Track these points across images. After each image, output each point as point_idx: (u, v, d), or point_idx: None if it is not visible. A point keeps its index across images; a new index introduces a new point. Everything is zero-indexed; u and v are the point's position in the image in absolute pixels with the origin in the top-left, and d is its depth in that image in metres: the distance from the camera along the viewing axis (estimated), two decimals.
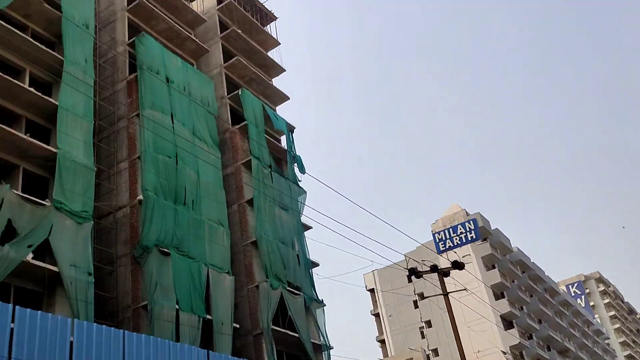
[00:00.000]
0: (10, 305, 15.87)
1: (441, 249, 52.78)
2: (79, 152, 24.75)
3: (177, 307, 24.87)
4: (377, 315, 65.24)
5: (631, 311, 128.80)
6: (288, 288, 31.25)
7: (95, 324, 19.03)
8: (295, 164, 38.14)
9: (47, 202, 22.49)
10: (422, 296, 59.79)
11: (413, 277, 61.00)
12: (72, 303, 21.15)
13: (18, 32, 24.44)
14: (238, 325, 28.24)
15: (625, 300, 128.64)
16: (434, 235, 58.12)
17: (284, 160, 37.95)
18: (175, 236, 26.83)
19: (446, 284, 54.00)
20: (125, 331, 18.82)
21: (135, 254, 25.57)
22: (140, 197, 26.65)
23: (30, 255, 21.01)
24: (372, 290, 66.06)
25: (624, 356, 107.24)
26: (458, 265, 20.96)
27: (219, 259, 28.66)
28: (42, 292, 21.64)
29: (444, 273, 21.36)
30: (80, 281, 21.98)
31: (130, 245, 26.19)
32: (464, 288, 26.41)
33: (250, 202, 32.82)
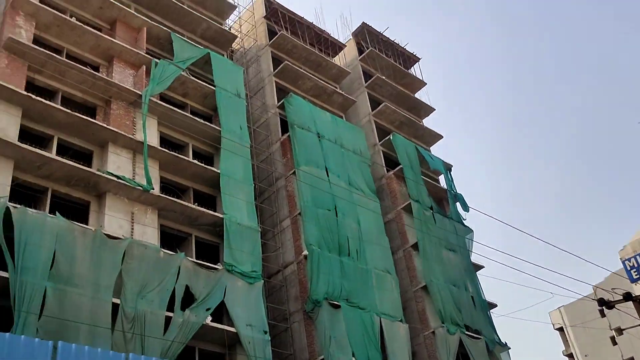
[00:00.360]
0: None
1: (634, 277, 47.47)
2: (243, 215, 25.67)
3: (353, 359, 24.45)
4: (570, 356, 59.75)
5: None
6: (467, 332, 29.64)
7: None
8: (458, 203, 36.80)
9: (219, 266, 23.42)
10: (619, 331, 53.92)
11: (606, 311, 55.47)
12: None
13: (178, 110, 26.33)
14: None
15: None
16: (623, 262, 52.59)
17: (445, 200, 36.77)
18: (344, 288, 26.67)
19: None
20: None
21: (306, 309, 25.70)
22: (305, 252, 26.93)
23: (209, 318, 21.81)
24: (560, 329, 60.88)
25: None
26: None
27: (390, 308, 28.00)
28: (223, 353, 22.29)
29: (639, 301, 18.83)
30: (257, 340, 22.38)
31: (301, 300, 26.38)
32: None
33: (415, 246, 31.97)
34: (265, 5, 37.58)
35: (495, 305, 33.59)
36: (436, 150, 41.64)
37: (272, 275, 28.14)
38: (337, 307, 25.72)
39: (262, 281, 24.45)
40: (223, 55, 31.53)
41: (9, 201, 18.67)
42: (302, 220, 27.97)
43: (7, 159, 19.65)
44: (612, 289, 18.56)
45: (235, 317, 22.35)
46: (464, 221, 35.80)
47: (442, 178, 38.35)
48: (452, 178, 38.05)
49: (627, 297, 18.47)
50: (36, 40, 23.44)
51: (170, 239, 24.09)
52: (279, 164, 31.11)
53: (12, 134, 20.03)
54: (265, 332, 22.85)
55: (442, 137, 40.95)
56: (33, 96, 21.10)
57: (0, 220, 17.51)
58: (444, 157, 38.19)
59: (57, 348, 15.81)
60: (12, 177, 19.64)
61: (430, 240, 32.22)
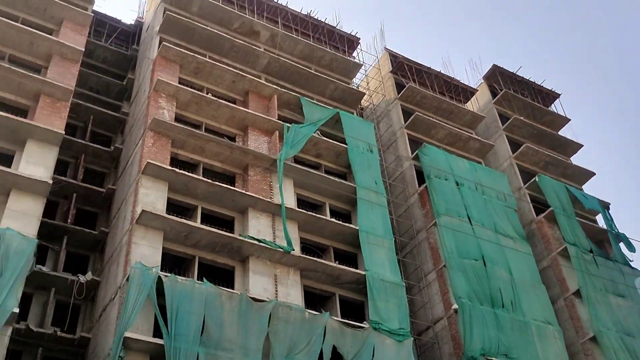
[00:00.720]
0: None
1: None
2: (386, 270, 25.06)
3: None
4: None
5: None
6: None
7: None
8: (621, 243, 33.59)
9: (365, 325, 22.81)
10: None
11: None
12: None
13: (313, 171, 26.70)
14: None
15: None
16: None
17: (606, 242, 33.74)
18: (501, 342, 24.90)
19: None
20: None
21: None
22: (455, 305, 25.62)
23: None
24: None
25: None
26: None
27: None
28: None
29: None
30: None
31: (456, 358, 24.91)
32: None
33: (577, 293, 29.37)
34: (390, 60, 37.81)
35: None
36: (589, 189, 38.73)
37: (422, 332, 27.02)
38: None
39: (412, 338, 23.45)
40: (352, 113, 31.85)
41: (160, 271, 19.58)
42: (447, 272, 26.79)
43: (157, 230, 20.78)
44: None
45: None
46: (630, 262, 32.50)
47: (599, 218, 35.33)
48: (611, 217, 34.97)
49: None
50: (177, 119, 25.06)
51: (314, 299, 23.96)
52: (418, 216, 30.35)
53: (160, 207, 21.24)
54: None
55: (595, 174, 38.05)
56: (177, 170, 22.38)
57: (153, 289, 18.34)
58: (600, 196, 35.31)
59: None
60: (162, 247, 20.68)
61: (594, 286, 29.50)
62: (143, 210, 20.45)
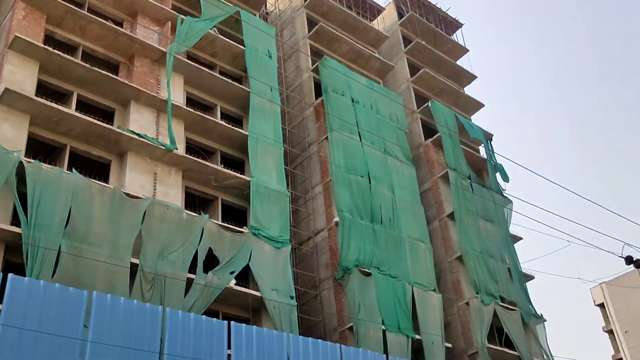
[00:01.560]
0: (226, 322, 15.96)
1: None
2: (272, 178, 24.91)
3: (383, 327, 23.70)
4: (610, 332, 57.92)
5: None
6: (501, 304, 28.57)
7: (310, 338, 18.49)
8: (498, 173, 35.31)
9: (245, 230, 22.75)
10: None
11: None
12: (277, 327, 20.92)
13: (206, 70, 25.52)
14: (450, 345, 26.26)
15: None
16: None
17: (484, 171, 35.33)
18: (375, 255, 25.83)
19: None
20: (342, 345, 17.84)
21: (336, 276, 25.00)
22: (337, 218, 26.13)
23: (233, 281, 21.20)
24: (601, 305, 59.04)
25: None
26: None
27: (423, 277, 27.11)
28: (248, 317, 21.70)
29: None
30: (284, 305, 21.74)
31: (332, 268, 25.68)
32: None
33: (451, 216, 30.81)
34: None
35: (532, 277, 32.33)
36: (477, 119, 40.07)
37: (302, 242, 27.50)
38: (368, 274, 24.97)
39: (290, 246, 23.75)
40: (255, 15, 30.53)
41: (25, 156, 18.23)
42: (333, 186, 27.11)
43: (23, 113, 19.12)
44: None
45: (260, 282, 21.74)
46: (503, 192, 34.36)
47: (482, 148, 36.83)
48: (492, 148, 36.51)
49: None
50: None
51: (196, 201, 23.50)
52: (311, 129, 30.22)
53: (28, 88, 19.51)
54: (292, 298, 22.20)
55: (484, 105, 39.34)
56: (50, 49, 20.47)
57: (13, 174, 17.08)
58: (485, 127, 36.62)
59: (92, 298, 15.51)
60: (27, 132, 19.16)
61: (468, 210, 31.02)
62: (6, 89, 18.59)
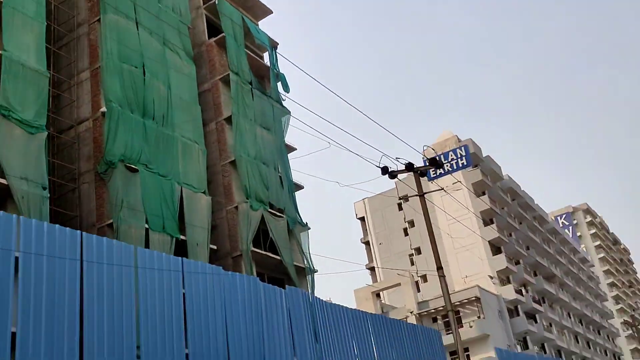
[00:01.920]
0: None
1: (432, 175, 50.66)
2: (30, 56, 21.91)
3: (146, 226, 22.79)
4: (367, 243, 64.17)
5: (616, 241, 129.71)
6: (270, 210, 29.27)
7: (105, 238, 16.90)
8: (279, 82, 35.44)
9: None
10: (411, 223, 58.41)
11: (403, 205, 59.54)
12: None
13: None
14: (215, 247, 26.39)
15: (611, 231, 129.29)
16: (424, 161, 56.07)
17: (266, 79, 35.22)
18: (144, 152, 24.45)
19: (437, 210, 51.88)
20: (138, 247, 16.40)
21: (98, 170, 23.21)
22: (104, 109, 24.10)
23: None
24: (362, 219, 64.82)
25: (607, 284, 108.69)
26: (436, 163, 18.66)
27: (194, 178, 26.49)
28: None
29: (420, 173, 19.05)
30: (34, 195, 19.64)
31: (94, 161, 23.79)
32: (441, 188, 24.60)
33: (228, 120, 30.35)
34: None
35: (302, 187, 33.62)
36: (264, 26, 39.53)
37: (63, 130, 25.01)
38: (134, 171, 23.59)
39: (47, 133, 21.33)
40: None
41: None
42: (103, 73, 24.81)
43: None
44: (396, 158, 18.26)
45: (7, 168, 19.30)
46: (283, 102, 34.72)
47: (266, 56, 36.54)
48: (276, 57, 36.38)
49: (409, 167, 18.44)
50: None
51: None
52: (82, 8, 27.10)
53: None
54: (45, 188, 20.12)
55: (272, 12, 38.80)
56: None
57: None
58: (272, 36, 36.25)
59: None
60: None
61: (246, 116, 30.79)
62: None
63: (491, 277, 54.49)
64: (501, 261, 55.83)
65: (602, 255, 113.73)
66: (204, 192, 26.53)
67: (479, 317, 48.32)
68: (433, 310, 48.20)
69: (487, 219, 57.82)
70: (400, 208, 60.53)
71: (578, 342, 72.04)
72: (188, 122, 27.81)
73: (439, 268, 18.57)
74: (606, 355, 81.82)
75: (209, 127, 30.32)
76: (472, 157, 56.77)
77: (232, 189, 28.71)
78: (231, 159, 29.27)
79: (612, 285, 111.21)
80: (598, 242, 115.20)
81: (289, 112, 34.39)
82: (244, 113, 30.56)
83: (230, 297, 14.31)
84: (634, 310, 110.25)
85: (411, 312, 47.26)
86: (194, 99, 28.90)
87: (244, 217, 27.58)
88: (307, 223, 31.37)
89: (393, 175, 18.93)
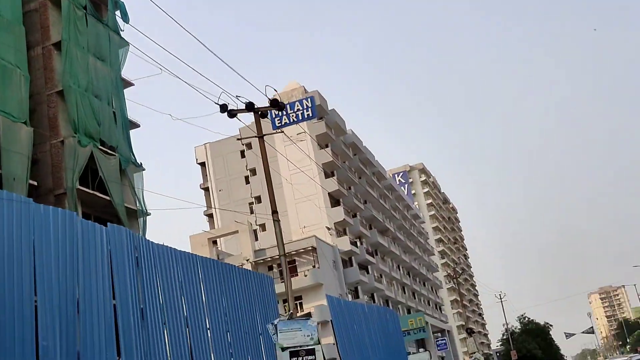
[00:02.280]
0: None
1: (277, 124, 50.40)
2: None
3: None
4: (206, 189, 62.85)
5: (446, 201, 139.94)
6: (101, 147, 27.31)
7: None
8: (118, 11, 32.78)
9: None
10: (253, 171, 58.15)
11: (246, 152, 58.94)
12: None
13: None
14: (36, 183, 24.16)
15: (442, 191, 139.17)
16: (271, 115, 55.65)
17: (104, 5, 32.39)
18: None
19: (279, 158, 52.08)
20: None
21: None
22: None
23: None
24: (202, 164, 63.20)
25: (435, 239, 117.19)
26: (278, 104, 18.26)
27: (13, 107, 23.97)
28: None
29: (261, 113, 18.61)
30: None
31: None
32: (281, 131, 24.27)
33: (57, 45, 27.64)
34: None
35: (138, 126, 31.80)
36: None
37: None
38: None
39: None
40: None
41: None
42: None
43: None
44: (236, 96, 17.53)
45: None
46: (121, 32, 32.21)
47: None
48: None
49: (250, 106, 17.88)
50: None
51: None
52: None
53: None
54: None
55: None
56: None
57: None
58: None
59: None
60: None
61: (78, 43, 28.18)
62: None
63: (328, 229, 56.06)
64: (339, 213, 57.50)
65: (432, 212, 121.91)
66: (24, 122, 24.11)
67: (314, 267, 49.64)
68: (269, 259, 48.68)
69: (328, 171, 59.08)
70: (243, 155, 59.90)
71: (405, 293, 77.06)
72: (9, 43, 24.92)
73: (274, 212, 18.33)
74: (429, 305, 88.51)
75: (34, 51, 27.44)
76: (318, 109, 57.28)
77: (59, 121, 26.37)
78: (59, 88, 26.79)
79: (439, 241, 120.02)
80: (430, 201, 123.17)
81: (127, 44, 32.01)
82: (75, 39, 27.94)
83: (41, 233, 12.88)
84: (456, 264, 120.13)
85: (247, 260, 47.35)
86: (17, 19, 25.96)
87: (71, 152, 25.49)
88: (142, 164, 29.77)
89: (232, 114, 18.13)
